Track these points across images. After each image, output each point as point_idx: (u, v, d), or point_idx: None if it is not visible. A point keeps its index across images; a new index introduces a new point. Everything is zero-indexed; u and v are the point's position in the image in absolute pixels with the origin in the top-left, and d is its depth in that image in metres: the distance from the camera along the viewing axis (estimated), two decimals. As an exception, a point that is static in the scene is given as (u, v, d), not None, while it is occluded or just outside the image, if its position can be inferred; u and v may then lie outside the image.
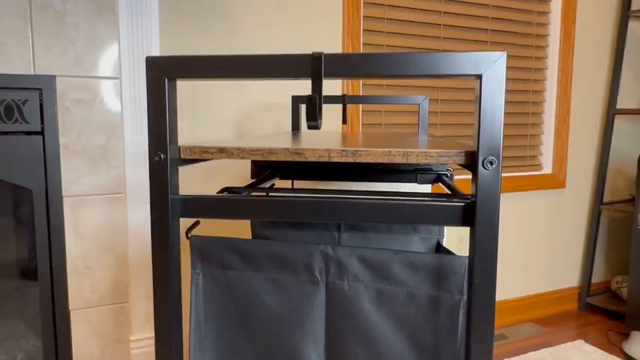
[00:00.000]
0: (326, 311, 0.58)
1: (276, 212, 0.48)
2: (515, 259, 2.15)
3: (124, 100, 1.38)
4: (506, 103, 2.06)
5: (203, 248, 0.59)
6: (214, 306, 0.59)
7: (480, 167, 0.45)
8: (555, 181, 2.20)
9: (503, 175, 2.09)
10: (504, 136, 2.08)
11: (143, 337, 1.47)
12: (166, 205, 0.49)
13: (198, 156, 0.50)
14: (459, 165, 0.48)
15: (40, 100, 1.31)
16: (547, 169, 2.21)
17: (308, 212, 0.47)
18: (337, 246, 0.56)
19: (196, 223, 0.59)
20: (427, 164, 0.86)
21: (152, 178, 0.48)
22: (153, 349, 1.48)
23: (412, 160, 0.47)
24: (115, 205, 1.41)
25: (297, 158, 0.47)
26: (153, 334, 1.49)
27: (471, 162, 0.47)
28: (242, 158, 0.49)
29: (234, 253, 0.58)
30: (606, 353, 1.83)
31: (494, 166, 0.45)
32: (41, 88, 1.31)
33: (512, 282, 2.15)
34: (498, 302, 2.12)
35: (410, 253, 0.55)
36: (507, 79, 2.06)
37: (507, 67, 2.05)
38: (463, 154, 0.48)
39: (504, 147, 2.08)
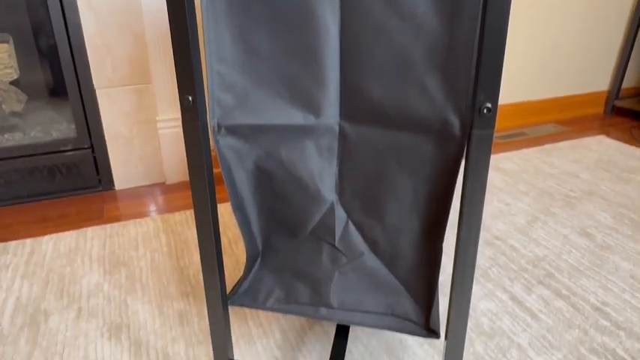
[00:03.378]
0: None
1: None
2: (542, 58, 2.06)
3: None
4: None
5: None
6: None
7: None
8: (599, -29, 2.00)
9: (542, -39, 1.90)
10: None
11: (169, 118, 1.52)
12: None
13: None
14: None
15: None
16: (592, -44, 1.99)
17: None
18: None
19: None
20: None
21: None
22: (180, 129, 1.54)
23: None
24: (125, -22, 1.35)
25: None
26: (178, 116, 1.53)
27: None
28: None
29: None
30: (627, 145, 1.84)
31: None
32: None
33: (537, 82, 2.09)
34: (518, 104, 2.09)
35: None
36: None
37: None
38: None
39: None
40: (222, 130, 0.61)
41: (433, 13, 0.53)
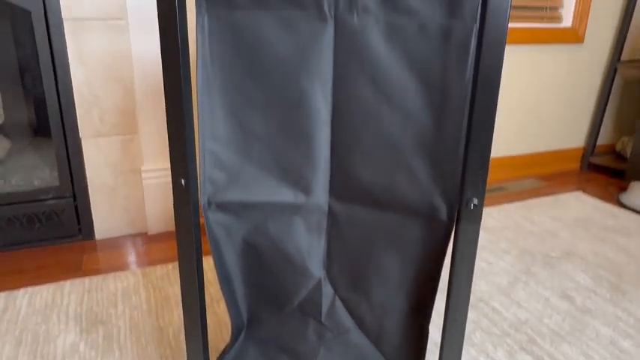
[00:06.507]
0: (334, 49, 0.57)
1: None
2: (520, 114, 2.14)
3: None
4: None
5: (207, -14, 0.57)
6: (221, 49, 0.59)
7: None
8: (574, 36, 2.11)
9: (519, 25, 2.00)
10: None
11: (154, 168, 1.52)
12: None
13: None
14: None
15: None
16: (567, 22, 2.10)
17: None
18: (347, -24, 0.54)
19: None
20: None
21: None
22: (165, 179, 1.54)
23: None
24: (117, 32, 1.37)
25: None
26: (163, 166, 1.53)
27: None
28: None
29: (240, -10, 0.56)
30: (603, 202, 1.89)
31: None
32: None
33: (517, 139, 2.16)
34: (500, 158, 2.15)
35: (423, -18, 0.53)
36: None
37: None
38: None
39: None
40: (213, 206, 0.61)
41: (422, 104, 0.55)
